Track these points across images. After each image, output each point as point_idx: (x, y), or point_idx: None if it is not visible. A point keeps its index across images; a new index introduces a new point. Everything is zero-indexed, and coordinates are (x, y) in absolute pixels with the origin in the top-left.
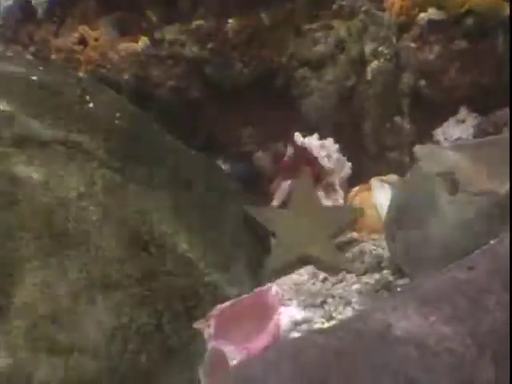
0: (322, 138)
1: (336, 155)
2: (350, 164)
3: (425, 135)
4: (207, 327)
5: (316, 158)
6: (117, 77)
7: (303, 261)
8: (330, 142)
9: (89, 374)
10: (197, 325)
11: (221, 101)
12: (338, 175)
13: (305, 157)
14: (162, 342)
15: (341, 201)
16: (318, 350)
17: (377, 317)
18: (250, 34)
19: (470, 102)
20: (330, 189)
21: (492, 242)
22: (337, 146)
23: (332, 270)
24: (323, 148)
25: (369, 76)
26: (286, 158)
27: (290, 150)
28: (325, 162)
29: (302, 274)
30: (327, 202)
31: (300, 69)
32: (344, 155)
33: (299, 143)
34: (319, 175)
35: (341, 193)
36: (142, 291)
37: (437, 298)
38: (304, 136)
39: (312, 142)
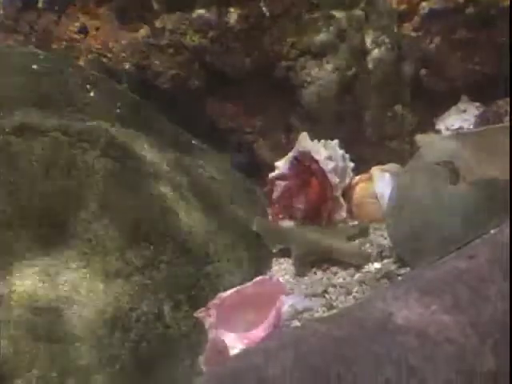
0: (323, 133)
1: (342, 164)
2: (352, 165)
3: (426, 124)
4: (208, 316)
5: (323, 172)
6: (118, 66)
7: (320, 252)
8: (335, 146)
9: (89, 363)
10: (198, 314)
11: (222, 90)
12: (342, 185)
13: (310, 168)
14: (163, 331)
15: (344, 215)
16: (319, 339)
17: (378, 306)
18: (251, 24)
19: (471, 92)
20: (334, 203)
21: (492, 231)
22: (342, 151)
23: (345, 256)
24: (330, 160)
25: (370, 65)
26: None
27: (293, 162)
28: (331, 177)
29: None
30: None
31: (301, 58)
32: (344, 147)
33: (305, 152)
34: (325, 191)
35: (344, 207)
36: (143, 280)
37: (438, 288)
38: (311, 139)
39: (319, 151)
